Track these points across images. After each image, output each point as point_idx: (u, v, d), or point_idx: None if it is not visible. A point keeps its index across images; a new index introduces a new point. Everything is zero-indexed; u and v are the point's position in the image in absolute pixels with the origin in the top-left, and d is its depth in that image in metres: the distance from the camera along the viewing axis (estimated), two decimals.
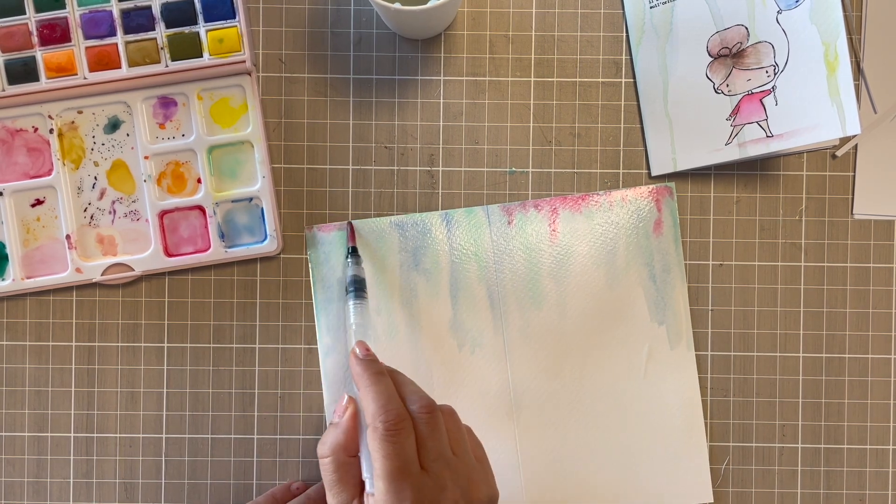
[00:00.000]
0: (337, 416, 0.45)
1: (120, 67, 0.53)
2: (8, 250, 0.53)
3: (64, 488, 0.54)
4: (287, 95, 0.55)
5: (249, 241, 0.54)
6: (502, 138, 0.55)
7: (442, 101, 0.55)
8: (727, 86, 0.53)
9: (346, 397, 0.46)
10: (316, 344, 0.54)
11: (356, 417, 0.45)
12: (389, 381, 0.45)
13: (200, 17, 0.53)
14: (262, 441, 0.54)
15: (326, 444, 0.44)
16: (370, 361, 0.46)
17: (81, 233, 0.54)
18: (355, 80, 0.55)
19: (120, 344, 0.54)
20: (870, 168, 0.55)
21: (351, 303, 0.50)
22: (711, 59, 0.53)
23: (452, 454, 0.44)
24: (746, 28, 0.53)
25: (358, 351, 0.46)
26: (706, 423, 0.54)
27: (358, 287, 0.51)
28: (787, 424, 0.54)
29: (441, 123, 0.55)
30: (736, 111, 0.53)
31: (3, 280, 0.54)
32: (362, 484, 0.43)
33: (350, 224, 0.54)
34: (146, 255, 0.54)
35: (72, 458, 0.54)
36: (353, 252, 0.53)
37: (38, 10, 0.53)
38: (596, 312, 0.54)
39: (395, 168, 0.55)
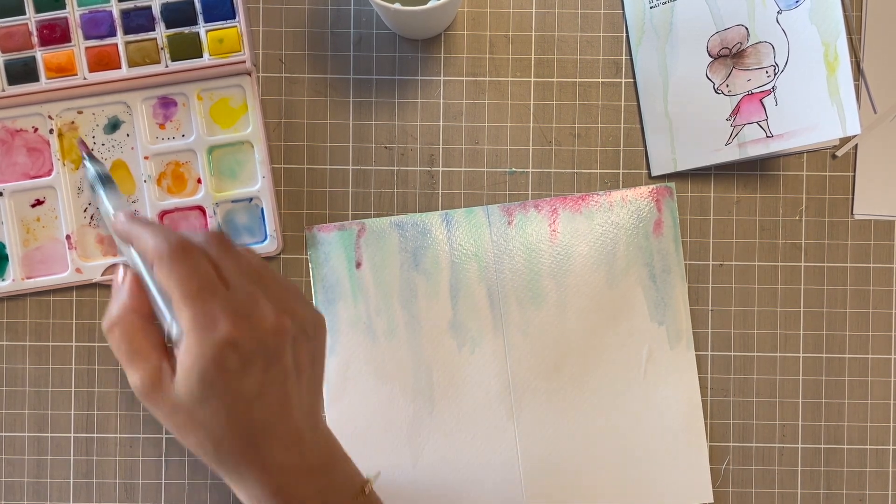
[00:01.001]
0: (115, 286, 0.40)
1: (120, 68, 0.53)
2: (8, 250, 0.53)
3: (64, 488, 0.54)
4: (287, 96, 0.54)
5: (249, 241, 0.54)
6: (502, 138, 0.55)
7: (442, 101, 0.55)
8: (727, 86, 0.53)
9: (119, 267, 0.40)
10: None
11: (138, 278, 0.39)
12: (163, 225, 0.40)
13: (200, 18, 0.53)
14: None
15: (110, 314, 0.38)
16: (134, 216, 0.41)
17: (81, 233, 0.54)
18: (355, 80, 0.55)
19: None
20: (870, 168, 0.55)
21: (101, 191, 0.46)
22: (711, 59, 0.53)
23: (254, 271, 0.39)
24: (746, 28, 0.53)
25: (118, 216, 0.41)
26: (706, 423, 0.54)
27: (104, 179, 0.47)
28: (787, 424, 0.54)
29: (441, 123, 0.55)
30: (736, 111, 0.53)
31: (3, 280, 0.54)
32: (163, 346, 0.38)
33: (82, 143, 0.53)
34: None
35: (72, 458, 0.54)
36: (91, 157, 0.51)
37: (38, 10, 0.53)
38: (596, 312, 0.54)
39: (395, 168, 0.55)
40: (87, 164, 0.51)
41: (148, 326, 0.38)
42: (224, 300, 0.36)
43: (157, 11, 0.53)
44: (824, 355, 0.54)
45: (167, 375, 0.37)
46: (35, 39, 0.53)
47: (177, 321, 0.37)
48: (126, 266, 0.40)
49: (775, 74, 0.52)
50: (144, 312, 0.39)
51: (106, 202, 0.47)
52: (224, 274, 0.38)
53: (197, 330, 0.36)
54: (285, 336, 0.38)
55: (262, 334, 0.37)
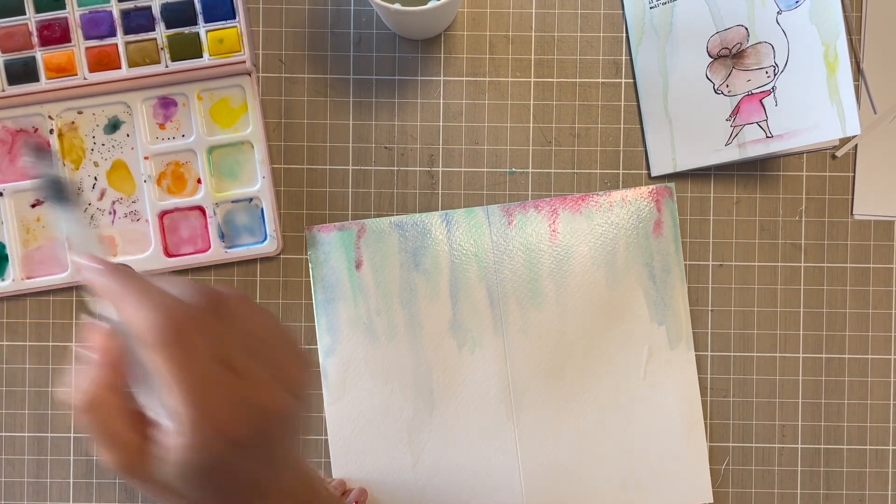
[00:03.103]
0: (86, 353, 0.33)
1: (120, 68, 0.53)
2: (8, 250, 0.53)
3: (64, 488, 0.54)
4: (287, 96, 0.54)
5: (249, 241, 0.54)
6: (502, 139, 0.55)
7: (442, 101, 0.55)
8: (727, 86, 0.53)
9: (95, 330, 0.33)
10: (316, 344, 0.54)
11: (115, 346, 0.33)
12: (145, 279, 0.33)
13: (200, 18, 0.53)
14: None
15: (82, 391, 0.32)
16: (110, 265, 0.33)
17: None
18: (355, 80, 0.55)
19: None
20: (870, 168, 0.55)
21: (59, 210, 0.36)
22: (711, 59, 0.53)
23: (255, 340, 0.34)
24: (746, 28, 0.53)
25: (87, 263, 0.34)
26: (706, 423, 0.54)
27: (58, 189, 0.36)
28: (786, 425, 0.54)
29: (441, 124, 0.55)
30: (736, 111, 0.53)
31: (3, 280, 0.54)
32: (143, 424, 0.32)
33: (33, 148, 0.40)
34: (146, 256, 0.54)
35: (72, 458, 0.54)
36: (39, 157, 0.37)
37: (38, 10, 0.53)
38: (596, 313, 0.54)
39: (395, 168, 0.55)
40: (36, 169, 0.37)
41: (125, 405, 0.33)
42: (223, 390, 0.32)
43: (157, 11, 0.53)
44: (824, 356, 0.55)
45: (149, 458, 0.32)
46: (35, 39, 0.53)
47: (166, 408, 0.31)
48: (101, 327, 0.33)
49: (775, 75, 0.52)
50: (121, 386, 0.33)
51: (66, 225, 0.37)
52: (220, 349, 0.32)
53: (193, 425, 0.31)
54: (290, 419, 0.34)
55: (266, 426, 0.33)
